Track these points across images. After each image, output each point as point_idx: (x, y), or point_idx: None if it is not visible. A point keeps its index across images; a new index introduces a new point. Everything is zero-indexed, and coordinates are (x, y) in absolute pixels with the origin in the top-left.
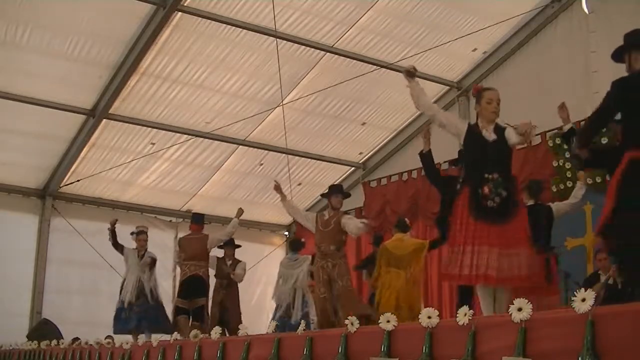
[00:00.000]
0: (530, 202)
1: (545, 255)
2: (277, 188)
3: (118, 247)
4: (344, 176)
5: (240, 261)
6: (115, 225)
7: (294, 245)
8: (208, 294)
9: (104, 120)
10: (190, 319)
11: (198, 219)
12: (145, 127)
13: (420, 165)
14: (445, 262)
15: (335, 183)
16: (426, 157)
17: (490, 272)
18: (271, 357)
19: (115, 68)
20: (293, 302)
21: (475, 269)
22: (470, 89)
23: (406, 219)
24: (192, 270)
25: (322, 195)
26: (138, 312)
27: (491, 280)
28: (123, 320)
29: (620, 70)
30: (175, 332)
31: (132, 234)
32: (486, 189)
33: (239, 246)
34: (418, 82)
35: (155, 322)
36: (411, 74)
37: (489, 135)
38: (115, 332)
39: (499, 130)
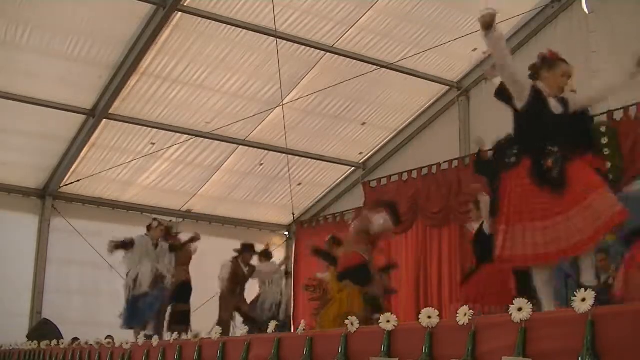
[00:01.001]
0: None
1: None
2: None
3: (128, 245)
4: (344, 176)
5: (254, 266)
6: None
7: (268, 254)
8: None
9: (104, 120)
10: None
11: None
12: (145, 127)
13: (420, 165)
14: (503, 243)
15: (336, 183)
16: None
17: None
18: (271, 357)
19: (115, 68)
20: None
21: (534, 247)
22: (470, 88)
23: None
24: (184, 276)
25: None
26: (151, 302)
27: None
28: (135, 312)
29: (621, 72)
30: (175, 332)
31: (154, 220)
32: (550, 162)
33: (255, 252)
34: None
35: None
36: (488, 24)
37: (556, 106)
38: (127, 325)
39: (563, 101)
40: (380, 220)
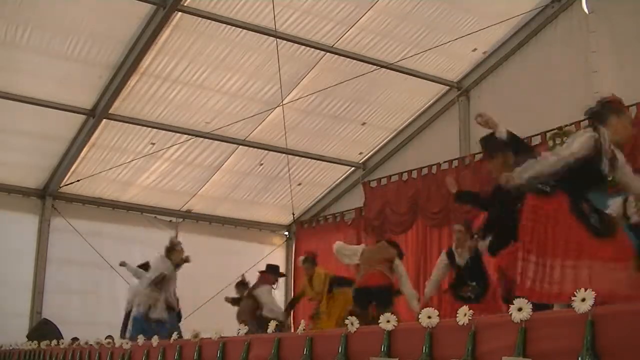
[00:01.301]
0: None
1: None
2: None
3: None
4: (344, 176)
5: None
6: None
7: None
8: None
9: (104, 120)
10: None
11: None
12: (145, 127)
13: (420, 165)
14: (534, 276)
15: (336, 183)
16: (462, 196)
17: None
18: (271, 357)
19: (115, 68)
20: None
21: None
22: (470, 88)
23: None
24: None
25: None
26: (167, 328)
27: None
28: (147, 329)
29: (621, 72)
30: (175, 333)
31: (178, 242)
32: (586, 207)
33: (283, 275)
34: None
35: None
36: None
37: (607, 166)
38: (125, 337)
39: (613, 160)
40: (401, 269)
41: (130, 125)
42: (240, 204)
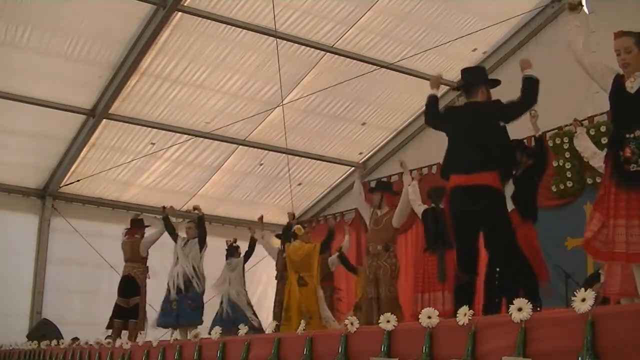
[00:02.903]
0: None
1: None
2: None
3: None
4: (344, 176)
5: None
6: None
7: (231, 250)
8: (141, 293)
9: (104, 120)
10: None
11: (135, 224)
12: (145, 127)
13: (420, 165)
14: (594, 237)
15: (336, 183)
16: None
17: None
18: (271, 357)
19: (115, 68)
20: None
21: (611, 245)
22: None
23: (298, 226)
24: (127, 272)
25: (372, 190)
26: (184, 305)
27: (620, 257)
28: (168, 313)
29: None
30: (176, 331)
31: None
32: (628, 151)
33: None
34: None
35: (191, 317)
36: (573, 6)
37: (633, 85)
38: (158, 325)
39: None
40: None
41: (130, 125)
42: (240, 204)
